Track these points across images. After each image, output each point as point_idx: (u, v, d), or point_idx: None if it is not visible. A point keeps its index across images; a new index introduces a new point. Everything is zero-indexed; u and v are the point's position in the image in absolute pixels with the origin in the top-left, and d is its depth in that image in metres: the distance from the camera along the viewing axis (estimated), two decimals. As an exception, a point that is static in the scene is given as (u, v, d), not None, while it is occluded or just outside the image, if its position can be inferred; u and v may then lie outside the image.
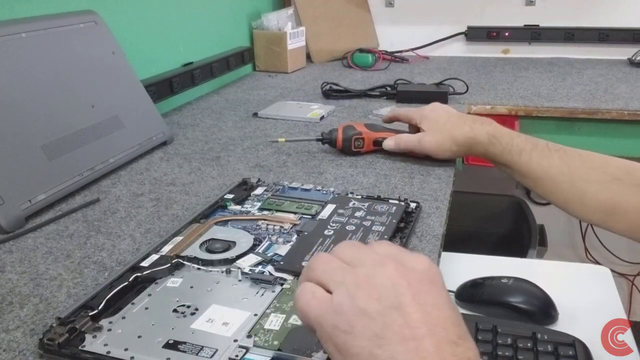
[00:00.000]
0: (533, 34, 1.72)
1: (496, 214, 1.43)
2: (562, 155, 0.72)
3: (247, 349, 0.43)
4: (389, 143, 0.85)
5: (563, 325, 0.66)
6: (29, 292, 0.53)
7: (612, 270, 0.79)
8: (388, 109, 1.12)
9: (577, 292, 0.73)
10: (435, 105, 0.86)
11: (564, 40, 1.70)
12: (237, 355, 0.42)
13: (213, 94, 1.32)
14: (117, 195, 0.75)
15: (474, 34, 1.76)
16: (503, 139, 0.75)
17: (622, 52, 1.63)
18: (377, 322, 0.34)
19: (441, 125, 0.81)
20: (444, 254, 0.66)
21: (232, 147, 0.93)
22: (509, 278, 0.70)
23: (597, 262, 1.83)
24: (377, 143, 0.87)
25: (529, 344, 0.59)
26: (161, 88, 1.09)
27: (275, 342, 0.44)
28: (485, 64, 1.64)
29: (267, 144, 0.94)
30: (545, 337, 0.60)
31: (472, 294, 0.70)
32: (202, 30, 1.33)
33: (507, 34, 1.74)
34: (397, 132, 0.88)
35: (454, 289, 0.73)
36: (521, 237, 1.29)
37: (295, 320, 0.46)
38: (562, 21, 1.69)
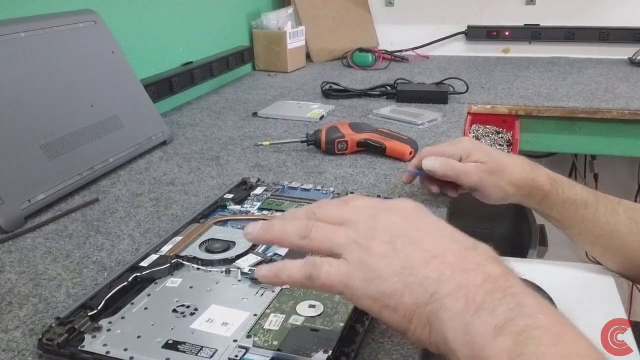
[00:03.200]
0: (533, 34, 1.71)
1: (496, 214, 1.42)
2: (627, 210, 0.62)
3: (247, 349, 0.43)
4: (432, 163, 0.66)
5: (563, 325, 0.66)
6: (29, 292, 0.53)
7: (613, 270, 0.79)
8: (388, 109, 1.12)
9: (578, 292, 0.73)
10: (475, 141, 0.70)
11: (564, 39, 1.69)
12: (236, 356, 0.42)
13: (213, 94, 1.32)
14: (116, 195, 0.74)
15: (474, 34, 1.76)
16: (564, 185, 0.63)
17: (623, 52, 1.63)
18: (399, 257, 0.37)
19: (497, 159, 0.65)
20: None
21: (232, 147, 0.93)
22: None
23: (597, 262, 1.83)
24: (361, 144, 0.87)
25: (529, 345, 0.59)
26: (161, 88, 1.09)
27: (275, 343, 0.44)
28: (485, 63, 1.63)
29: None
30: (546, 338, 0.60)
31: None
32: (202, 30, 1.33)
33: (507, 33, 1.73)
34: (388, 134, 0.88)
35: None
36: (521, 237, 1.29)
37: (295, 320, 0.46)
38: (563, 21, 1.69)
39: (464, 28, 1.76)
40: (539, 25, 1.71)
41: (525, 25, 1.72)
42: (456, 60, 1.70)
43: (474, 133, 1.18)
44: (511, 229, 1.41)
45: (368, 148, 0.88)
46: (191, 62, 1.23)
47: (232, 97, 1.28)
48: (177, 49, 1.22)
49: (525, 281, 0.69)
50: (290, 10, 1.58)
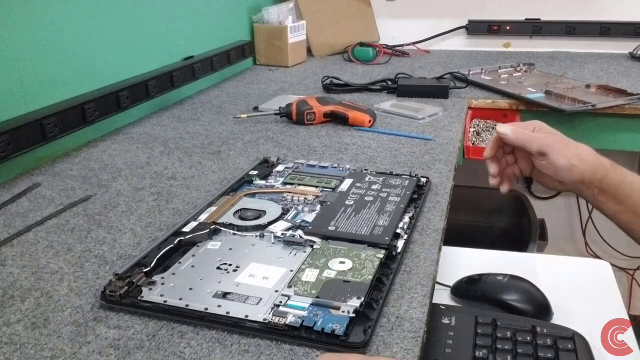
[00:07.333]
0: (534, 28, 1.71)
1: (497, 209, 1.43)
2: None
3: (288, 297, 0.48)
4: (505, 130, 0.72)
5: (563, 320, 0.66)
6: (30, 286, 0.53)
7: (612, 265, 0.79)
8: (389, 103, 1.12)
9: (578, 287, 0.73)
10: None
11: (565, 34, 1.69)
12: (281, 302, 0.47)
13: (214, 88, 1.32)
14: (117, 190, 0.75)
15: (475, 28, 1.75)
16: (621, 170, 0.70)
17: (624, 46, 1.63)
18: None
19: (565, 140, 0.72)
20: (445, 248, 0.66)
21: (233, 141, 0.93)
22: (504, 275, 0.69)
23: (597, 257, 1.83)
24: (327, 115, 0.98)
25: (528, 338, 0.59)
26: (162, 82, 1.09)
27: (314, 291, 0.49)
28: (486, 58, 1.63)
29: (268, 138, 0.94)
30: (545, 331, 0.60)
31: (467, 290, 0.70)
32: (203, 24, 1.32)
33: (508, 28, 1.73)
34: (350, 106, 0.96)
35: (452, 284, 0.73)
36: (522, 232, 1.29)
37: (328, 274, 0.51)
38: (564, 15, 1.68)
39: (464, 22, 1.76)
40: (539, 19, 1.71)
41: (526, 19, 1.72)
42: (457, 54, 1.70)
43: (474, 127, 1.18)
44: (512, 223, 1.41)
45: (333, 118, 0.99)
46: (192, 57, 1.23)
47: (233, 92, 1.28)
48: (177, 43, 1.22)
49: (520, 279, 0.69)
50: (291, 4, 1.57)
